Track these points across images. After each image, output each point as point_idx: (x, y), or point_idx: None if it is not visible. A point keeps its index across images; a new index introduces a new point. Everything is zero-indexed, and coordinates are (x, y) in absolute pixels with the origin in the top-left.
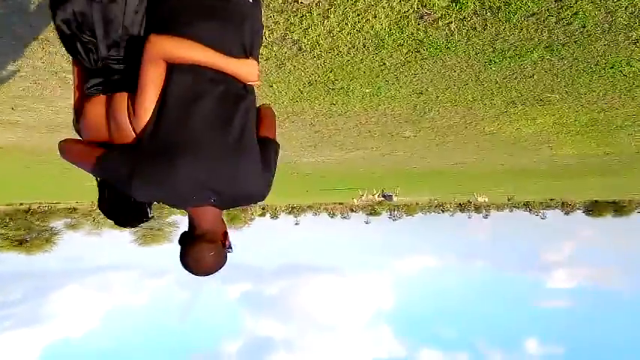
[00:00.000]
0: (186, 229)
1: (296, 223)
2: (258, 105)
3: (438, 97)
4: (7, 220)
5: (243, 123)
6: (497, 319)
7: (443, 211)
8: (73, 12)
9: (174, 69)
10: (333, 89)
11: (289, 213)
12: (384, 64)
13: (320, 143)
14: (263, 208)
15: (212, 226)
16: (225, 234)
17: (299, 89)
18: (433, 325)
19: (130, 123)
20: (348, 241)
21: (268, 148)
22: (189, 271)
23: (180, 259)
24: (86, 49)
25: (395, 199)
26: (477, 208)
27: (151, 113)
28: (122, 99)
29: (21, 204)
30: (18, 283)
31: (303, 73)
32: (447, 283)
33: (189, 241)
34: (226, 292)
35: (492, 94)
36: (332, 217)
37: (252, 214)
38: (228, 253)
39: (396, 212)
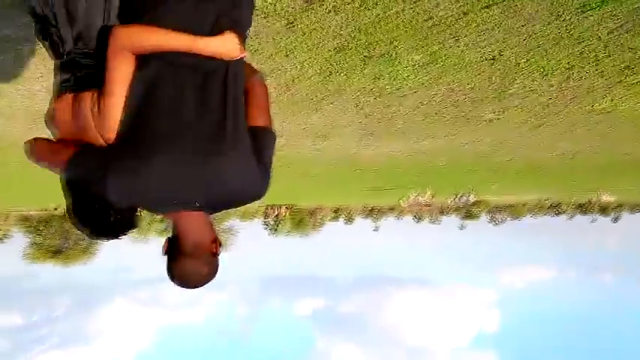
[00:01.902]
0: (171, 237)
1: (375, 229)
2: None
3: (518, 63)
4: (41, 228)
5: (229, 112)
6: (631, 349)
7: (558, 213)
8: (38, 1)
9: (144, 59)
10: (369, 57)
11: (366, 216)
12: (431, 17)
13: (377, 130)
14: (336, 212)
15: (200, 237)
16: (215, 240)
17: (325, 58)
18: (550, 353)
19: (94, 123)
20: (439, 249)
21: (263, 140)
22: (180, 286)
23: (168, 274)
24: (52, 40)
25: (471, 198)
26: (604, 210)
27: (120, 110)
28: (87, 97)
29: (55, 209)
30: (60, 297)
31: (323, 36)
32: (565, 301)
33: (176, 257)
34: (295, 308)
35: (596, 56)
36: (418, 221)
37: (322, 218)
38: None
39: (497, 215)
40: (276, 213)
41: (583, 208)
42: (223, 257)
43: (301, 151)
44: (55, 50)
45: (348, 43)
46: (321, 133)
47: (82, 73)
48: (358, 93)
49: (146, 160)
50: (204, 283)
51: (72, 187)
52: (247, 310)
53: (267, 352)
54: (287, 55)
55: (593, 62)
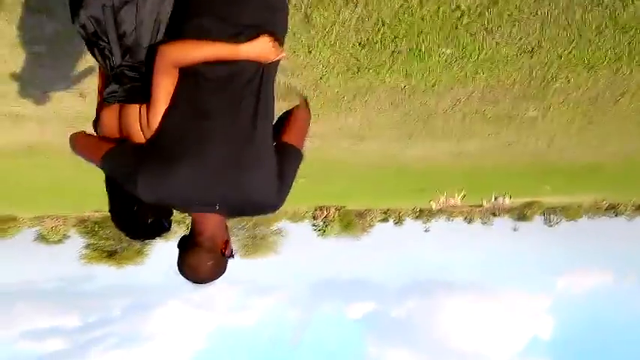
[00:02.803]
0: (186, 233)
1: (426, 230)
2: (291, 105)
3: (560, 56)
4: (97, 229)
5: (259, 124)
6: None
7: (616, 214)
8: (89, 17)
9: (189, 71)
10: (398, 52)
11: (417, 218)
12: (459, 7)
13: (415, 130)
14: (385, 213)
15: (213, 234)
16: (227, 242)
17: (350, 54)
18: None
19: (143, 132)
20: (492, 252)
21: (288, 157)
22: (186, 278)
23: (178, 265)
24: (103, 54)
25: (507, 201)
26: None
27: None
28: (134, 111)
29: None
30: (116, 299)
31: (344, 30)
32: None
33: (188, 248)
34: (346, 312)
35: None
36: (469, 222)
37: (372, 220)
38: (229, 260)
39: (552, 216)
40: (325, 214)
41: None
42: (275, 260)
43: (340, 151)
44: (105, 63)
45: (373, 37)
46: (358, 134)
47: (128, 85)
48: (391, 91)
49: (175, 162)
50: (210, 280)
51: (110, 185)
52: (298, 313)
53: (318, 356)
54: (310, 52)
55: None
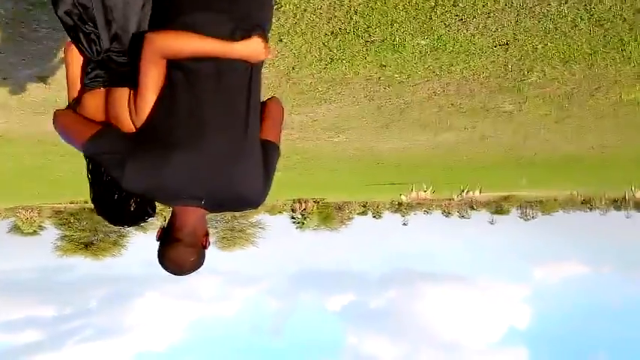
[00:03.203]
0: (165, 226)
1: (404, 223)
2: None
3: (535, 49)
4: (72, 221)
5: (251, 120)
6: None
7: (591, 208)
8: (74, 3)
9: (175, 64)
10: (371, 42)
11: (395, 211)
12: None
13: (392, 122)
14: (364, 206)
15: (194, 228)
16: (206, 235)
17: (322, 43)
18: (582, 351)
19: (131, 119)
20: (469, 244)
21: (270, 153)
22: (167, 271)
23: (159, 259)
24: (89, 39)
25: (477, 194)
26: (638, 206)
27: (151, 108)
28: (123, 94)
29: (86, 202)
30: (93, 290)
31: (315, 18)
32: (599, 298)
33: (169, 242)
34: (326, 303)
35: (621, 40)
36: (447, 216)
37: (351, 213)
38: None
39: (528, 210)
40: (303, 207)
41: (617, 204)
42: (254, 252)
43: (318, 144)
44: (91, 48)
45: (345, 26)
46: (335, 126)
47: (115, 70)
48: (366, 82)
49: (165, 155)
50: (191, 271)
51: (91, 169)
52: (278, 304)
53: (299, 347)
54: (281, 40)
55: (618, 47)
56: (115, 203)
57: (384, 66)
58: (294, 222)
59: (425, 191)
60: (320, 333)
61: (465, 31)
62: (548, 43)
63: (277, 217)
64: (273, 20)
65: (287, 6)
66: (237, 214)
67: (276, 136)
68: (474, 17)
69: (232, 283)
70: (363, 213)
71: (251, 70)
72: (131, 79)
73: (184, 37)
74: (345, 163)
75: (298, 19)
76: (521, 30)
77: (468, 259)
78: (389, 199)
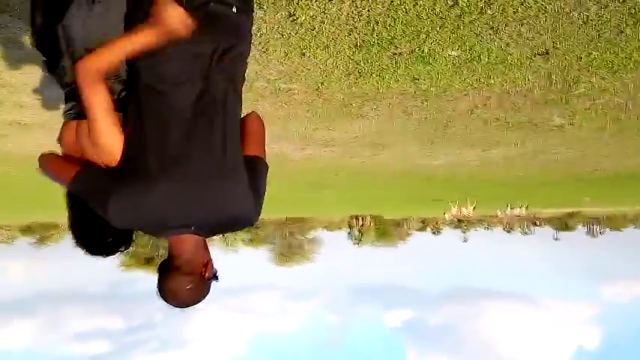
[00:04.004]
0: (166, 258)
1: (464, 240)
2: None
3: (579, 58)
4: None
5: (229, 140)
6: None
7: None
8: (43, 33)
9: (145, 91)
10: (399, 54)
11: (455, 227)
12: (456, 3)
13: (436, 139)
14: (423, 222)
15: (192, 256)
16: (207, 264)
17: (347, 56)
18: None
19: (89, 150)
20: (533, 261)
21: (255, 168)
22: (166, 302)
23: (157, 289)
24: (55, 72)
25: (522, 211)
26: None
27: (110, 136)
28: (84, 126)
29: None
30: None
31: (335, 30)
32: None
33: (166, 272)
34: (385, 319)
35: None
36: (509, 232)
37: (409, 229)
38: (213, 282)
39: (595, 226)
40: (360, 223)
41: None
42: (312, 267)
43: (363, 161)
44: (61, 81)
45: (368, 38)
46: (377, 142)
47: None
48: (401, 96)
49: (145, 188)
50: (192, 303)
51: (73, 203)
52: (337, 319)
53: None
54: (303, 54)
55: None
56: (92, 233)
57: (417, 79)
58: (350, 238)
59: (467, 208)
60: (379, 348)
61: (498, 41)
62: (593, 52)
63: (335, 233)
64: (292, 34)
65: (303, 17)
66: (292, 229)
67: (259, 151)
68: (506, 25)
69: (291, 298)
70: (422, 229)
71: (226, 90)
72: None
73: (106, 49)
74: (393, 179)
75: (317, 32)
76: (560, 38)
77: (531, 276)
78: (433, 215)
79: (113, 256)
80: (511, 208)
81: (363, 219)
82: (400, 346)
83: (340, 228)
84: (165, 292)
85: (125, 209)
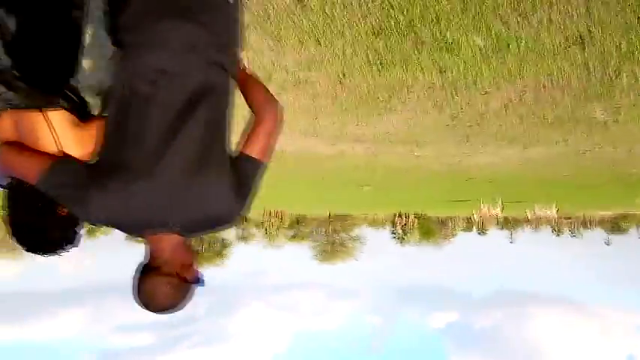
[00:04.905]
0: (145, 259)
1: (511, 241)
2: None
3: (618, 46)
4: None
5: (206, 139)
6: None
7: None
8: None
9: (119, 85)
10: (421, 42)
11: (502, 228)
12: None
13: (471, 135)
14: (468, 222)
15: (171, 257)
16: (188, 265)
17: (366, 45)
18: None
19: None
20: (582, 265)
21: (246, 167)
22: (142, 307)
23: (133, 292)
24: None
25: (553, 212)
26: None
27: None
28: (39, 118)
29: None
30: (201, 297)
31: (347, 14)
32: None
33: (144, 273)
34: (428, 321)
35: None
36: (558, 234)
37: (454, 228)
38: (198, 287)
39: None
40: (404, 222)
41: None
42: (355, 265)
43: (399, 157)
44: None
45: (385, 24)
46: (411, 139)
47: (25, 90)
48: (429, 89)
49: (126, 185)
50: (170, 308)
51: (14, 196)
52: (379, 319)
53: None
54: (319, 42)
55: None
56: (39, 231)
57: (444, 71)
58: (394, 237)
59: (495, 208)
60: (422, 350)
61: (527, 28)
62: (633, 38)
63: (378, 232)
64: (303, 19)
65: (312, 1)
66: (336, 227)
67: (257, 150)
68: (534, 10)
69: (334, 297)
70: (467, 229)
71: (211, 87)
72: (41, 100)
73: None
74: (432, 177)
75: (330, 17)
76: (596, 24)
77: (581, 281)
78: (465, 214)
79: (58, 255)
80: (552, 210)
81: (406, 217)
82: (443, 349)
83: (384, 226)
84: (142, 293)
85: (108, 205)
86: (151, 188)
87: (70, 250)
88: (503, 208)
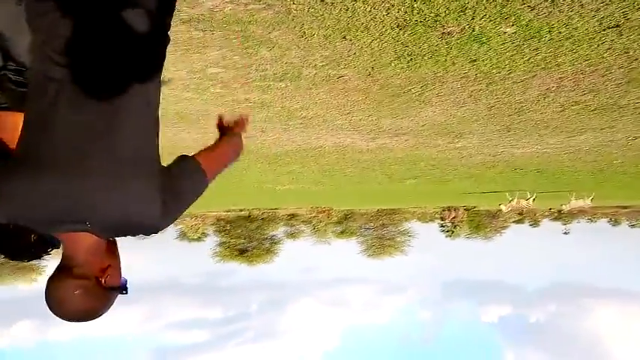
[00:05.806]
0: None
1: (565, 232)
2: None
3: None
4: (228, 228)
5: (132, 137)
6: None
7: None
8: None
9: (35, 76)
10: (448, 33)
11: (555, 219)
12: None
13: (512, 125)
14: (520, 214)
15: (87, 257)
16: (107, 269)
17: (392, 38)
18: None
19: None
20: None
21: (177, 175)
22: (53, 313)
23: (45, 297)
24: None
25: (587, 203)
26: None
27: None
28: (21, 119)
29: (241, 210)
30: (253, 294)
31: (369, 7)
32: None
33: (55, 275)
34: (481, 314)
35: None
36: (614, 225)
37: (505, 221)
38: (120, 294)
39: None
40: (453, 215)
41: None
42: (405, 260)
43: (439, 150)
44: None
45: (409, 16)
46: (450, 130)
47: (14, 91)
48: (463, 80)
49: (34, 179)
50: (83, 315)
51: None
52: (430, 313)
53: (453, 357)
54: (344, 37)
55: None
56: (11, 237)
57: (475, 60)
58: (443, 230)
59: (527, 199)
60: (475, 344)
61: (558, 14)
62: None
63: (427, 226)
64: (325, 15)
65: None
66: (384, 221)
67: (206, 164)
68: None
69: (383, 292)
70: (520, 221)
71: (131, 90)
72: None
73: None
74: (476, 169)
75: (352, 12)
76: (631, 7)
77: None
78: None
79: (38, 260)
80: (576, 200)
81: (455, 210)
82: (497, 342)
83: (433, 220)
84: (50, 299)
85: (12, 208)
86: (60, 183)
87: (52, 252)
88: (534, 199)
